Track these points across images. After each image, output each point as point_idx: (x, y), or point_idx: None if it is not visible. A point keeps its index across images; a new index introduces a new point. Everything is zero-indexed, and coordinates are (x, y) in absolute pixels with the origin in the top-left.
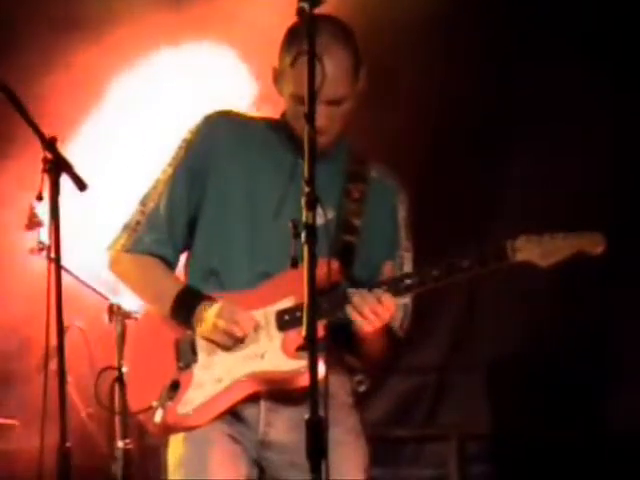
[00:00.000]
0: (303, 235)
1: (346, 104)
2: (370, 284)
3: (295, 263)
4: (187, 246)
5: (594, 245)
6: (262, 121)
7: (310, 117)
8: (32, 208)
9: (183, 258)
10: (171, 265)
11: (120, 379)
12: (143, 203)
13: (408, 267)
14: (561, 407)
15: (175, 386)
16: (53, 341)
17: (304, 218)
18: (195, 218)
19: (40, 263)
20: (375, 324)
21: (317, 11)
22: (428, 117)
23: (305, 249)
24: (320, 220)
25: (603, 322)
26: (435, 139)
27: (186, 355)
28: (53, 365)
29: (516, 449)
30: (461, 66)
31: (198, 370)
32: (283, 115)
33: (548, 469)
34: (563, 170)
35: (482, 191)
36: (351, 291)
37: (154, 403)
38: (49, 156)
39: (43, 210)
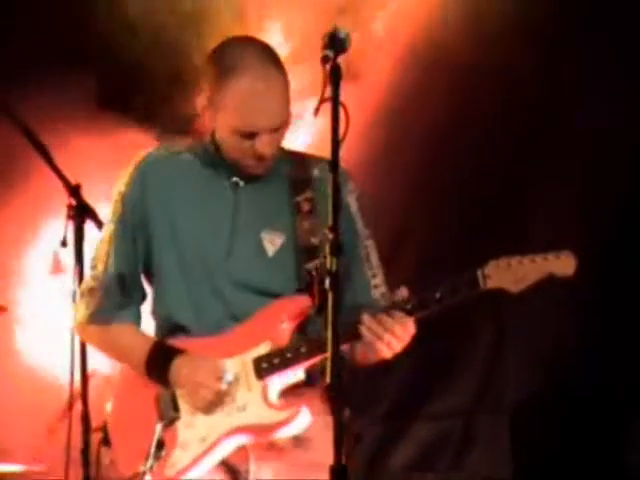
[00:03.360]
0: (327, 282)
1: (284, 128)
2: (382, 308)
3: (321, 310)
4: (145, 295)
5: (564, 267)
6: (191, 151)
7: (335, 163)
8: (56, 253)
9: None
10: (136, 321)
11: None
12: (93, 266)
13: (374, 256)
14: (588, 452)
15: (160, 445)
16: (77, 387)
17: (327, 265)
18: (148, 267)
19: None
20: (397, 349)
21: (239, 34)
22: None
23: (329, 296)
24: (272, 249)
25: (630, 365)
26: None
27: (168, 412)
28: (77, 411)
29: None
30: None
31: (182, 429)
32: (212, 136)
33: None
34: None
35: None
36: (365, 318)
37: (141, 468)
38: (73, 202)
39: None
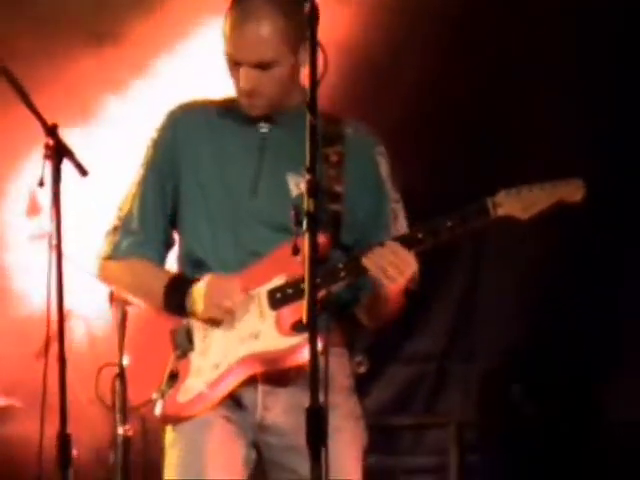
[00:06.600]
0: (304, 223)
1: (277, 69)
2: (381, 241)
3: (296, 251)
4: (171, 242)
5: (573, 193)
6: (223, 101)
7: (312, 104)
8: (33, 194)
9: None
10: (159, 260)
11: (121, 375)
12: (120, 208)
13: (402, 218)
14: (560, 396)
15: (174, 376)
16: (54, 327)
17: (305, 205)
18: (174, 214)
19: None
20: (399, 280)
21: None
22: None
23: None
24: (297, 191)
25: (603, 313)
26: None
27: (182, 344)
28: (54, 351)
29: (515, 437)
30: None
31: (195, 357)
32: None
33: (547, 457)
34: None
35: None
36: (365, 251)
37: (154, 395)
38: (50, 142)
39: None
